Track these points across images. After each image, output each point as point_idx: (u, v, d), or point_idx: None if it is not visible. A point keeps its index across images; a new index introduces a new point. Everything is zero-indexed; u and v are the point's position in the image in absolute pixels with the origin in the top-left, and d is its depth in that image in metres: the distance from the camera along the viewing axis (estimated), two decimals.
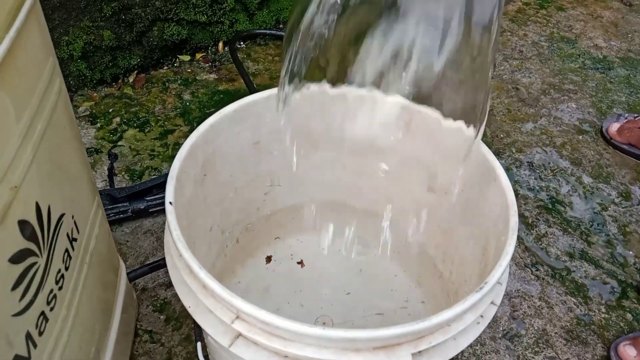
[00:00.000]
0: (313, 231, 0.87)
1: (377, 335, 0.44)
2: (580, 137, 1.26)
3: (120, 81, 1.30)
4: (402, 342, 0.47)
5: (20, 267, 0.42)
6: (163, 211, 1.00)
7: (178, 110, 1.24)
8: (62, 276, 0.51)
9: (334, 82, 0.64)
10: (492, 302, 0.53)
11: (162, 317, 0.86)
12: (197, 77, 1.34)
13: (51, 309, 0.49)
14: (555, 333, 0.89)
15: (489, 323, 0.53)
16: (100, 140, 1.16)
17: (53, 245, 0.48)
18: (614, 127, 1.23)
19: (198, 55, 1.40)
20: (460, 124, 0.58)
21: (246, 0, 1.37)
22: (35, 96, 0.45)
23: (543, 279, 0.96)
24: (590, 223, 1.07)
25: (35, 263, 0.45)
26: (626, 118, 1.24)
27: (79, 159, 0.58)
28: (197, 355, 0.68)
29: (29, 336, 0.44)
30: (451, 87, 0.54)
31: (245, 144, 0.72)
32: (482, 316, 0.52)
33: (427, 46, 0.50)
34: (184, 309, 0.56)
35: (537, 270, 0.98)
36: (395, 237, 0.84)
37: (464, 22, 0.47)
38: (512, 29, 1.60)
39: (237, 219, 0.80)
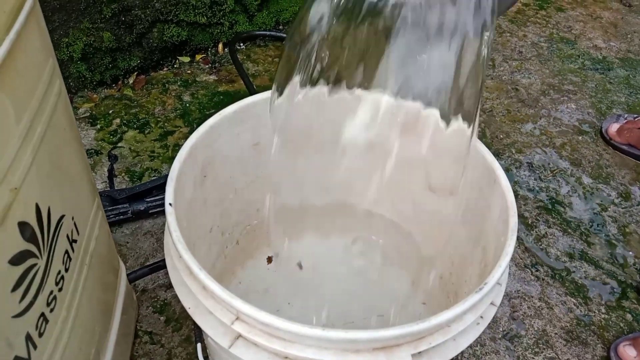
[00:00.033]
0: (313, 232, 0.87)
1: (377, 336, 0.44)
2: (580, 137, 1.26)
3: (120, 82, 1.30)
4: (401, 343, 0.47)
5: (20, 269, 0.42)
6: (163, 212, 1.00)
7: (178, 111, 1.24)
8: (62, 277, 0.51)
9: (333, 83, 0.64)
10: (491, 303, 0.53)
11: (162, 318, 0.86)
12: (197, 79, 1.34)
13: (51, 311, 0.49)
14: (555, 334, 0.89)
15: (489, 324, 0.53)
16: (100, 142, 1.16)
17: (53, 247, 0.49)
18: (613, 128, 1.23)
19: (198, 57, 1.40)
20: (459, 123, 0.58)
21: (246, 1, 1.38)
22: (35, 98, 0.46)
23: (543, 279, 0.96)
24: (590, 223, 1.07)
25: (35, 264, 0.45)
26: (626, 119, 1.24)
27: (78, 161, 0.59)
28: (197, 357, 0.68)
29: (29, 337, 0.44)
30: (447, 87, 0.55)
31: (245, 145, 0.72)
32: (481, 317, 0.52)
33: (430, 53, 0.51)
34: (184, 310, 0.55)
35: (537, 270, 0.98)
36: (395, 238, 0.84)
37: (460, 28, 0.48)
38: (512, 29, 1.60)
39: (237, 220, 0.80)
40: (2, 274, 0.40)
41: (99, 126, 1.19)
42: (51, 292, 0.49)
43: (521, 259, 1.00)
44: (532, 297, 0.94)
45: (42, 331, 0.47)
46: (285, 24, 1.52)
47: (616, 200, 1.12)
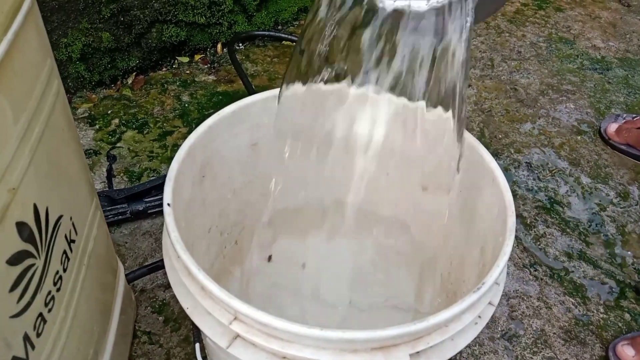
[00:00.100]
0: (312, 232, 0.87)
1: (374, 336, 0.44)
2: (579, 137, 1.26)
3: (119, 83, 1.30)
4: (399, 342, 0.47)
5: (18, 269, 0.42)
6: (161, 212, 1.00)
7: (177, 111, 1.24)
8: (60, 278, 0.51)
9: (332, 82, 0.65)
10: (489, 303, 0.53)
11: (160, 318, 0.86)
12: (196, 79, 1.34)
13: (49, 311, 0.49)
14: (554, 333, 0.89)
15: (488, 323, 0.53)
16: (98, 142, 1.16)
17: (51, 247, 0.49)
18: (612, 128, 1.23)
19: (197, 57, 1.40)
20: (440, 111, 0.59)
21: (245, 1, 1.38)
22: (33, 98, 0.46)
23: (541, 279, 0.97)
24: (589, 223, 1.07)
25: (33, 265, 0.45)
26: (624, 118, 1.24)
27: (77, 161, 0.59)
28: (195, 357, 0.68)
29: (26, 338, 0.44)
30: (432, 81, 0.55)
31: (243, 146, 0.72)
32: (480, 317, 0.52)
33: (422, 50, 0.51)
34: (182, 310, 0.55)
35: (535, 270, 0.98)
36: (394, 238, 0.84)
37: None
38: (511, 29, 1.61)
39: (235, 220, 0.80)
40: (0, 274, 0.40)
41: (97, 126, 1.19)
42: (49, 292, 0.49)
43: (520, 258, 1.00)
44: (531, 296, 0.94)
45: (40, 331, 0.47)
46: (284, 24, 1.52)
47: (615, 200, 1.12)
